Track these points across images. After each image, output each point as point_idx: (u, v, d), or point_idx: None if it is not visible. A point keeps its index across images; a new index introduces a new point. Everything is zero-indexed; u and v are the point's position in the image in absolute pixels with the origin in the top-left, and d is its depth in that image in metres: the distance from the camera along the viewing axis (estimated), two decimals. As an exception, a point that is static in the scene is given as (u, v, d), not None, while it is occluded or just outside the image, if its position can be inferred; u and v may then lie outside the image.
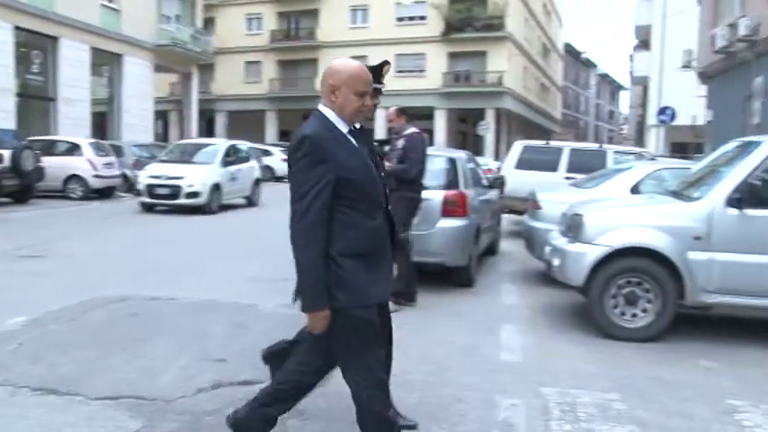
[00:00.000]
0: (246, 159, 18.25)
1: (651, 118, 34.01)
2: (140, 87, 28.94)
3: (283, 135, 45.61)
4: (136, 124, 28.33)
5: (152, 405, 4.11)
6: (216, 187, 15.85)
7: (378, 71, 3.79)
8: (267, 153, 30.53)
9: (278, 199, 19.56)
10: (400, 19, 44.25)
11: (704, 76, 24.37)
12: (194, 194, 15.31)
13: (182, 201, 15.25)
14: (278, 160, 30.41)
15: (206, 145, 18.05)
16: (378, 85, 3.67)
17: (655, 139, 33.57)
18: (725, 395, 4.64)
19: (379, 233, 2.97)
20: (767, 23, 17.53)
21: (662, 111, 26.52)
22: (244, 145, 19.97)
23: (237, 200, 17.49)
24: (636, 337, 5.88)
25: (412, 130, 6.98)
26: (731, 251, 5.74)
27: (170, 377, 4.61)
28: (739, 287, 5.79)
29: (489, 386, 4.68)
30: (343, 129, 2.94)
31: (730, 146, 6.87)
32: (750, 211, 5.74)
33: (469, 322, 6.45)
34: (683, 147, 32.33)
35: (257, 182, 18.51)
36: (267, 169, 29.29)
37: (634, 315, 5.96)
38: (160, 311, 6.47)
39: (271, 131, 46.69)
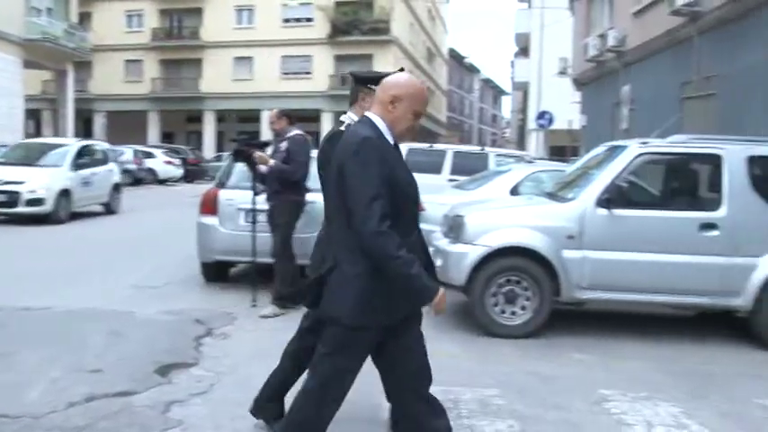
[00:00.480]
0: (104, 162, 16.21)
1: (531, 122, 35.33)
2: (7, 84, 27.20)
3: (166, 137, 44.27)
4: (4, 124, 26.64)
5: (16, 423, 3.85)
6: (65, 193, 13.82)
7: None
8: (149, 155, 29.48)
9: (148, 204, 19.07)
10: (287, 20, 43.95)
11: (578, 83, 25.57)
12: (37, 201, 13.25)
13: (21, 209, 13.19)
14: (161, 162, 29.48)
15: (55, 145, 15.88)
16: None
17: (535, 143, 34.95)
18: (597, 386, 4.88)
19: (415, 250, 2.84)
20: (633, 36, 18.61)
21: (540, 115, 27.63)
22: (101, 145, 17.94)
23: (93, 207, 15.61)
24: (515, 333, 6.09)
25: (295, 132, 6.92)
26: (601, 249, 6.05)
27: (39, 391, 4.34)
28: (610, 283, 6.11)
29: (374, 389, 4.68)
30: (390, 141, 2.85)
31: (600, 149, 7.24)
32: (618, 212, 6.07)
33: (355, 324, 6.47)
34: (561, 150, 33.73)
35: (117, 187, 16.52)
36: (149, 172, 28.39)
37: (513, 313, 6.16)
38: (30, 322, 6.10)
39: (153, 133, 45.15)
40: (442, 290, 2.79)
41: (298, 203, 6.77)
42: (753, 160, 6.23)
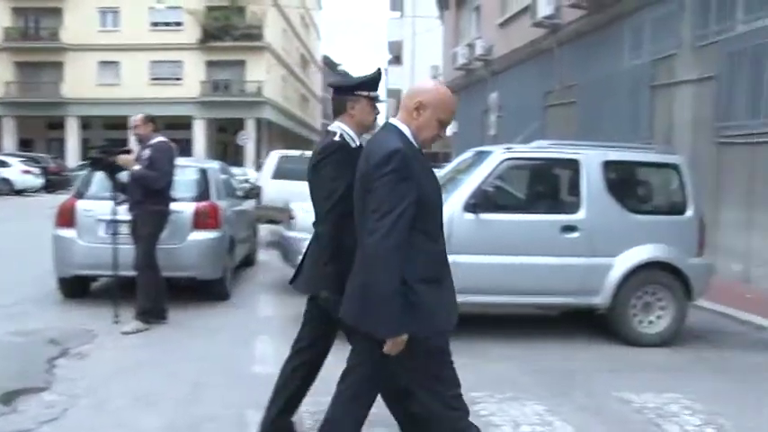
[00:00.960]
0: None
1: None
2: None
3: (25, 144, 41.59)
4: None
5: None
6: None
7: (377, 80, 3.56)
8: (4, 164, 27.56)
9: (2, 217, 17.80)
10: (155, 24, 42.51)
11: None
12: None
13: None
14: (17, 172, 27.62)
15: None
16: (375, 94, 3.52)
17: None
18: (466, 389, 4.92)
19: (444, 257, 2.85)
20: (499, 45, 19.30)
21: (412, 122, 28.02)
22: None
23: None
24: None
25: (159, 139, 6.63)
26: (469, 253, 6.14)
27: None
28: (478, 286, 6.21)
29: (242, 401, 4.55)
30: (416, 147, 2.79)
31: (467, 155, 7.39)
32: (484, 216, 6.20)
33: (224, 337, 6.28)
34: (434, 156, 34.33)
35: None
36: (4, 182, 26.61)
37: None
38: None
39: (9, 140, 42.35)
40: (404, 338, 2.70)
41: (161, 213, 6.49)
42: (608, 165, 6.54)
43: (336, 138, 3.39)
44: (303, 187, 12.04)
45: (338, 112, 3.50)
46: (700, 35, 10.74)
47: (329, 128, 3.54)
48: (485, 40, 20.32)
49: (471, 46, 21.06)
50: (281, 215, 9.59)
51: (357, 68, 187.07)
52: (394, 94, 45.83)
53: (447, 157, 28.01)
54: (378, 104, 3.53)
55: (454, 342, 5.53)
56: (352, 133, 3.44)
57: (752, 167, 9.68)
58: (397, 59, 45.14)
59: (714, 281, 7.08)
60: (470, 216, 6.18)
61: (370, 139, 2.92)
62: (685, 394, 4.95)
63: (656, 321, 6.48)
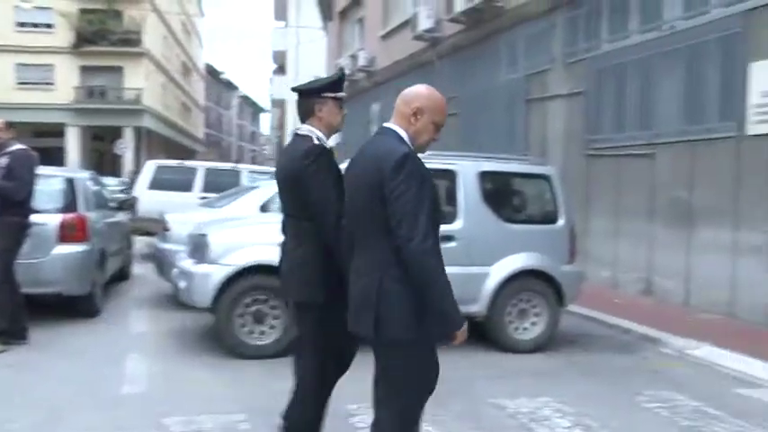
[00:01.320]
0: None
1: (289, 139, 35.62)
2: None
3: None
4: None
5: None
6: None
7: (341, 81, 3.52)
8: None
9: None
10: (22, 24, 40.02)
11: (333, 102, 26.26)
12: None
13: None
14: None
15: None
16: (342, 95, 3.47)
17: (293, 160, 35.19)
18: (344, 401, 4.86)
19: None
20: (382, 57, 19.53)
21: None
22: None
23: None
24: (265, 353, 5.93)
25: (18, 146, 6.22)
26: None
27: None
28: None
29: (107, 424, 4.30)
30: None
31: (342, 166, 7.34)
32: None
33: (91, 356, 5.93)
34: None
35: None
36: None
37: (262, 332, 6.01)
38: None
39: None
40: (465, 323, 2.75)
41: (21, 225, 6.07)
42: (483, 175, 6.68)
43: (315, 141, 3.35)
44: (181, 197, 11.71)
45: (306, 115, 3.47)
46: (570, 52, 11.25)
47: (299, 132, 3.47)
48: (367, 52, 20.52)
49: (354, 57, 21.19)
50: (157, 226, 9.25)
51: (241, 77, 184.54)
52: (278, 104, 45.49)
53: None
54: (343, 105, 3.51)
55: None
56: (322, 136, 3.41)
57: (617, 179, 10.21)
58: (281, 69, 44.81)
59: (585, 287, 7.38)
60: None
61: (369, 144, 2.88)
62: (557, 398, 5.10)
63: (531, 328, 6.67)
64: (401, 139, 2.80)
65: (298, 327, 3.50)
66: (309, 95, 3.45)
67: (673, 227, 9.13)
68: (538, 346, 6.63)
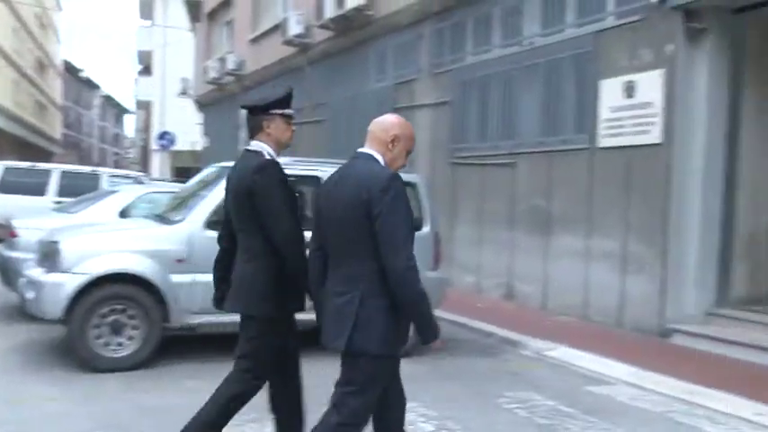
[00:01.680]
0: None
1: (154, 142, 34.43)
2: None
3: None
4: None
5: None
6: None
7: (289, 98, 3.59)
8: None
9: None
10: None
11: (200, 105, 25.62)
12: None
13: None
14: None
15: None
16: (290, 111, 3.57)
17: (159, 163, 34.03)
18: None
19: None
20: (250, 61, 19.26)
21: (161, 136, 26.92)
22: None
23: None
24: (122, 366, 5.66)
25: None
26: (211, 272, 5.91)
27: None
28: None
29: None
30: None
31: (210, 170, 7.17)
32: (227, 233, 6.00)
33: None
34: (186, 171, 33.47)
35: None
36: None
37: (120, 344, 5.72)
38: None
39: None
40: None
41: None
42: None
43: (266, 156, 3.45)
44: (32, 201, 10.99)
45: (254, 131, 3.54)
46: (436, 63, 11.53)
47: (249, 148, 3.54)
48: (236, 55, 20.16)
49: (223, 60, 20.77)
50: (3, 233, 8.63)
51: (103, 76, 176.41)
52: (144, 105, 43.76)
53: (199, 173, 27.34)
54: (292, 122, 3.59)
55: (196, 364, 5.30)
56: (272, 152, 3.50)
57: (481, 187, 10.56)
58: (146, 70, 43.17)
59: (450, 292, 7.55)
60: (212, 233, 5.93)
61: (348, 168, 3.00)
62: (422, 402, 5.16)
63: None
64: (378, 162, 2.97)
65: (242, 339, 3.62)
66: (258, 112, 3.54)
67: (532, 234, 9.54)
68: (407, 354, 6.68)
